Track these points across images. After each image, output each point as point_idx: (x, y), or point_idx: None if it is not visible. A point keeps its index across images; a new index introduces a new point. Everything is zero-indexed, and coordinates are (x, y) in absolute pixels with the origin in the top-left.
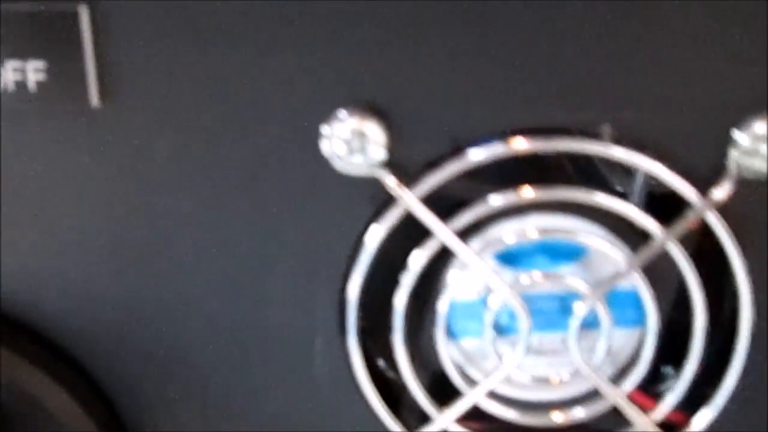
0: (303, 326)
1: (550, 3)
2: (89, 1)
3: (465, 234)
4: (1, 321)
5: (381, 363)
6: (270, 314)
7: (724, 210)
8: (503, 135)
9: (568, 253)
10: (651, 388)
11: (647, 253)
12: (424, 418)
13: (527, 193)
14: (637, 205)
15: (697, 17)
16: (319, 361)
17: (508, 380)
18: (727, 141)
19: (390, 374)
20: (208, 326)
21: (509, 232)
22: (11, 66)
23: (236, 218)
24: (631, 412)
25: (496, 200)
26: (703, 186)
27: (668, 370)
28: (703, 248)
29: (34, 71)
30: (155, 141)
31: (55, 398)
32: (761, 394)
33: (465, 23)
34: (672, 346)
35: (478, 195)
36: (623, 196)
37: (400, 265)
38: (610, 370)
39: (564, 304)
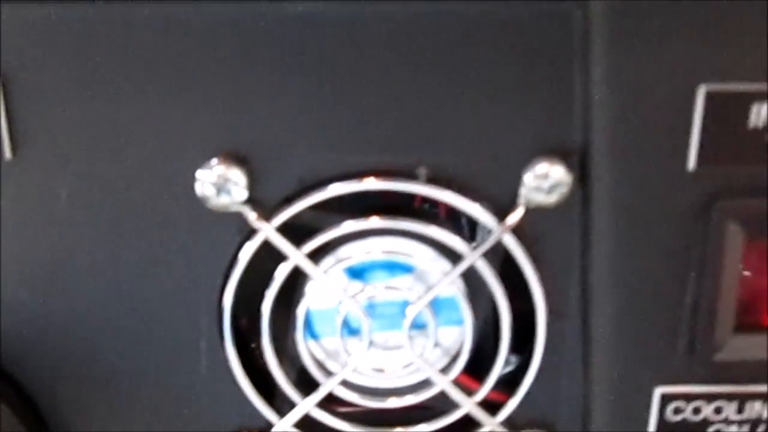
0: (189, 332)
1: (377, 65)
2: (2, 77)
3: (319, 253)
4: None
5: (259, 358)
6: (161, 322)
7: (520, 230)
8: (345, 175)
9: (403, 268)
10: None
11: (461, 267)
12: (292, 406)
13: (372, 222)
14: (458, 230)
15: (488, 79)
16: (204, 361)
17: (358, 372)
18: (520, 177)
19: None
20: (109, 335)
21: (357, 252)
22: None
23: (128, 246)
24: (455, 394)
25: (344, 227)
26: (502, 214)
27: (511, 358)
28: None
29: None
30: (59, 186)
31: None
32: (557, 378)
33: (308, 85)
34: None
35: (328, 222)
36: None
37: (268, 278)
38: (444, 361)
39: (402, 308)
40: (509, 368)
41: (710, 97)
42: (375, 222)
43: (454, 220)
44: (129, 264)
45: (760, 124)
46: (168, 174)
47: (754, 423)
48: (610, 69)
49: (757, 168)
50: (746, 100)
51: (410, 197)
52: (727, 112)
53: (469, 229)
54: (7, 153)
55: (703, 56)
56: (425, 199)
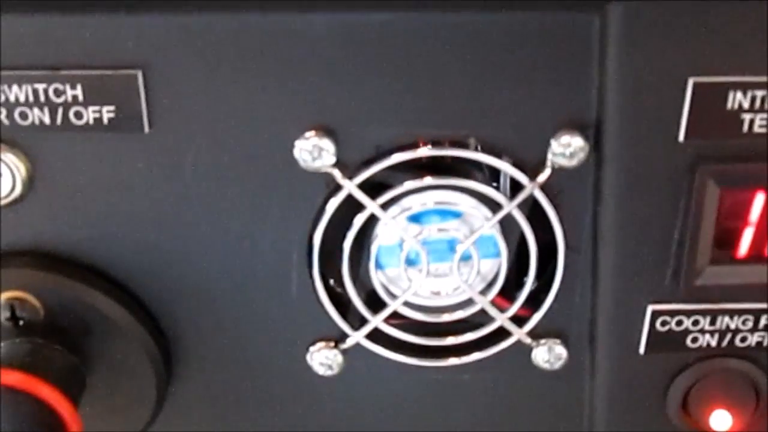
0: (284, 265)
1: (436, 60)
2: (143, 68)
3: (388, 204)
4: (79, 264)
5: (336, 287)
6: (262, 257)
7: (546, 186)
8: (410, 144)
9: (453, 213)
10: (515, 295)
11: (500, 214)
12: (363, 322)
13: (427, 180)
14: (497, 186)
15: (524, 70)
16: (294, 287)
17: (416, 295)
18: (547, 146)
19: (341, 292)
20: (221, 267)
21: (416, 202)
22: (92, 109)
23: (239, 199)
24: (492, 311)
25: (407, 184)
26: (533, 174)
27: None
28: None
29: (107, 112)
30: (185, 154)
31: (120, 314)
32: (571, 298)
33: (382, 76)
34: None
35: (395, 180)
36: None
37: (348, 224)
38: (482, 286)
39: (451, 245)
40: (533, 289)
41: (696, 87)
42: (429, 180)
43: (494, 177)
44: (239, 213)
45: (735, 106)
46: (272, 143)
47: (723, 332)
48: (621, 63)
49: (732, 141)
50: (724, 88)
51: (460, 159)
52: (709, 98)
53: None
54: (146, 127)
55: (691, 56)
56: (473, 162)
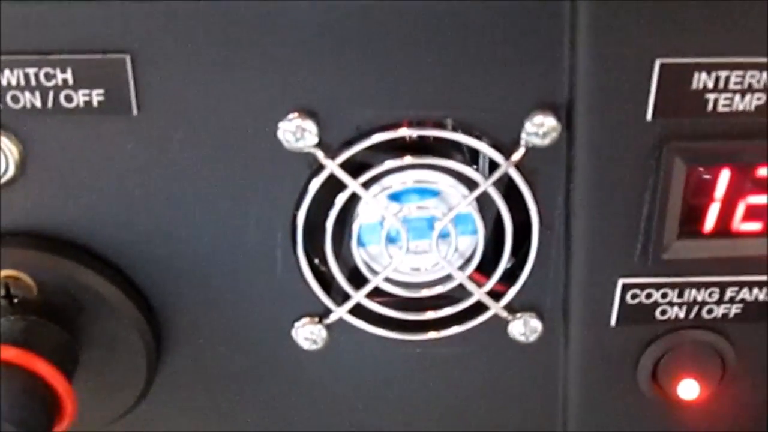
0: (269, 243)
1: (413, 43)
2: (131, 53)
3: (369, 183)
4: (71, 244)
5: (320, 264)
6: (248, 235)
7: (521, 164)
8: (389, 125)
9: (432, 192)
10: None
11: (477, 192)
12: (346, 298)
13: (406, 159)
14: (476, 165)
15: (498, 52)
16: (279, 265)
17: (397, 271)
18: (521, 126)
19: (325, 270)
20: (208, 244)
21: (396, 181)
22: (81, 93)
23: (225, 179)
24: (470, 285)
25: (387, 164)
26: (508, 153)
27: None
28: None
29: (96, 95)
30: (172, 135)
31: (111, 292)
32: (545, 273)
33: (362, 59)
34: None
35: (376, 160)
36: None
37: (330, 203)
38: (460, 262)
39: (430, 223)
40: (509, 265)
41: (663, 68)
42: (409, 160)
43: (473, 157)
44: (225, 192)
45: (700, 87)
46: (256, 124)
47: (690, 305)
48: (590, 46)
49: (698, 119)
50: (689, 69)
51: (439, 140)
52: (675, 79)
53: (479, 162)
54: (134, 110)
55: (658, 38)
56: (450, 141)
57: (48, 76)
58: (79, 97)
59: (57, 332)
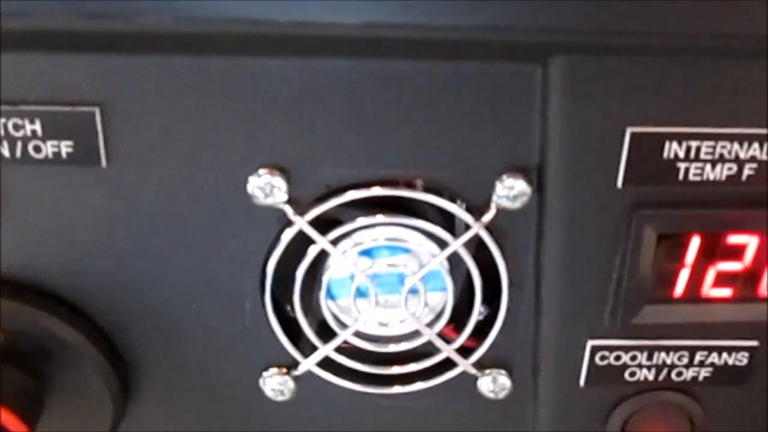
0: (238, 295)
1: (385, 105)
2: (101, 105)
3: (340, 239)
4: (40, 292)
5: (291, 314)
6: (217, 287)
7: (491, 226)
8: (360, 183)
9: (401, 249)
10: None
11: (446, 252)
12: (315, 350)
13: (378, 218)
14: (450, 220)
15: (470, 116)
16: (248, 315)
17: (367, 325)
18: (492, 188)
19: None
20: (177, 294)
21: (367, 238)
22: (50, 144)
23: (194, 232)
24: (438, 342)
25: (358, 221)
26: (478, 214)
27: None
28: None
29: (65, 147)
30: (142, 188)
31: (78, 340)
32: (515, 331)
33: (333, 119)
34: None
35: (347, 216)
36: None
37: (303, 254)
38: (431, 317)
39: (401, 278)
40: (481, 317)
41: (634, 137)
42: (380, 218)
43: (441, 216)
44: (194, 243)
45: (671, 156)
46: (227, 179)
47: (659, 367)
48: (562, 113)
49: (668, 188)
50: (661, 138)
51: (410, 199)
52: (646, 147)
53: (452, 222)
54: (104, 162)
55: (629, 107)
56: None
57: (17, 127)
58: (48, 148)
59: (22, 378)
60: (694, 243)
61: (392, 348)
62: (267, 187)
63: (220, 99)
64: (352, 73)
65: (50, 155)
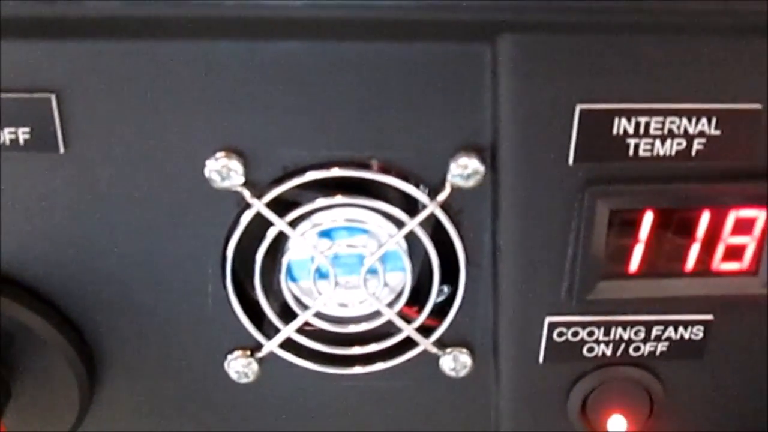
0: (200, 279)
1: (341, 87)
2: (57, 92)
3: (299, 220)
4: (3, 279)
5: (254, 297)
6: (179, 271)
7: (447, 205)
8: (317, 165)
9: (360, 230)
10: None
11: (403, 231)
12: (277, 332)
13: (336, 199)
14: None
15: (423, 97)
16: (210, 299)
17: (326, 305)
18: (447, 167)
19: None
20: (138, 280)
21: (326, 219)
22: (8, 131)
23: (153, 216)
24: (398, 322)
25: (317, 202)
26: (434, 193)
27: (443, 288)
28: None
29: (22, 133)
30: (99, 173)
31: (42, 326)
32: (474, 309)
33: (290, 101)
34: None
35: (305, 198)
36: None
37: (263, 236)
38: (391, 297)
39: (360, 258)
40: (441, 298)
41: (584, 113)
42: (339, 199)
43: (402, 198)
44: (154, 229)
45: (621, 132)
46: (184, 162)
47: (617, 343)
48: (512, 91)
49: (619, 164)
50: (610, 115)
51: (368, 180)
52: (596, 124)
53: (413, 205)
54: (61, 148)
55: (578, 84)
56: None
57: None
58: (5, 135)
59: None
60: (647, 218)
61: (353, 328)
62: (224, 171)
63: (173, 83)
64: (302, 55)
65: (7, 142)
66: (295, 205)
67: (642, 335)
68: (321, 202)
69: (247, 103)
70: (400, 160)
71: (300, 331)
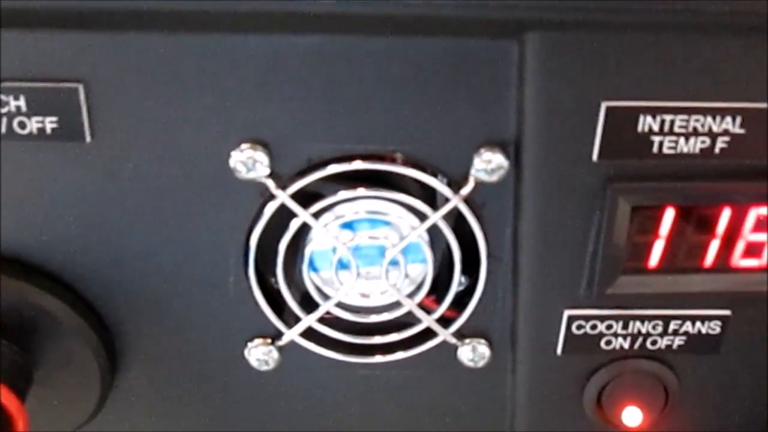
0: (222, 268)
1: (367, 82)
2: (84, 82)
3: (321, 212)
4: (27, 266)
5: (275, 286)
6: (202, 261)
7: (470, 199)
8: (341, 157)
9: (382, 222)
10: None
11: (426, 224)
12: (298, 321)
13: (359, 191)
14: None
15: (450, 92)
16: (232, 289)
17: (348, 296)
18: (471, 162)
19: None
20: (163, 269)
21: (348, 211)
22: (35, 120)
23: (178, 206)
24: (418, 312)
25: (340, 194)
26: (457, 187)
27: (461, 278)
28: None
29: (49, 123)
30: (125, 162)
31: (66, 313)
32: (494, 301)
33: (315, 95)
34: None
35: (328, 190)
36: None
37: (286, 226)
38: (411, 288)
39: (381, 250)
40: (461, 288)
41: (609, 111)
42: (362, 191)
43: (423, 190)
44: (178, 217)
45: (646, 129)
46: (209, 153)
47: (634, 336)
48: (538, 87)
49: (642, 161)
50: (636, 112)
51: (391, 173)
52: (621, 121)
53: (433, 197)
54: (87, 137)
55: (604, 82)
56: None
57: (1, 103)
58: (33, 124)
59: (11, 351)
60: (668, 215)
61: (374, 318)
62: (249, 162)
63: (200, 75)
64: (328, 49)
65: (35, 131)
66: (318, 196)
67: (660, 329)
68: (344, 194)
69: (273, 96)
70: (423, 154)
71: (320, 320)
